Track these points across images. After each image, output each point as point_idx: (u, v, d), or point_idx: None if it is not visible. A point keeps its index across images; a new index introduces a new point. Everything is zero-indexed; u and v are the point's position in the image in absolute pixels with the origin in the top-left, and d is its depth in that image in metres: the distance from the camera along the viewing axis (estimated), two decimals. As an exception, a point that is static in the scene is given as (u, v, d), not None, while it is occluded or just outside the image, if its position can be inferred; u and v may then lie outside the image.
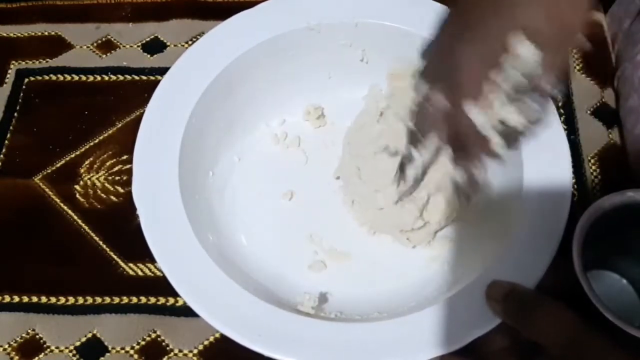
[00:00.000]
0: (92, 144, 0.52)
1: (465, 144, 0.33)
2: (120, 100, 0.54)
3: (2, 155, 0.52)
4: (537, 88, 0.32)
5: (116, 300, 0.45)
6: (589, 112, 0.50)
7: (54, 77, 0.55)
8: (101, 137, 0.52)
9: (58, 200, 0.49)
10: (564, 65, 0.32)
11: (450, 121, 0.32)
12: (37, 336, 0.44)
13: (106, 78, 0.55)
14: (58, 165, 0.51)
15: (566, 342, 0.29)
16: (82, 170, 0.51)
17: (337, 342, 0.34)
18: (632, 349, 0.28)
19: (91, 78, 0.55)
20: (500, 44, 0.30)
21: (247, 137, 0.48)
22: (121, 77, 0.55)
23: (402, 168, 0.40)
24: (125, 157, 0.51)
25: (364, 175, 0.43)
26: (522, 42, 0.30)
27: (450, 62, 0.32)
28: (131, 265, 0.46)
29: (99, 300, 0.45)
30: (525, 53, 0.30)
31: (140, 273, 0.46)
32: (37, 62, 0.56)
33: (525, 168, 0.39)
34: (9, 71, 0.56)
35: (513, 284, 0.34)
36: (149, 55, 0.56)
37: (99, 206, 0.49)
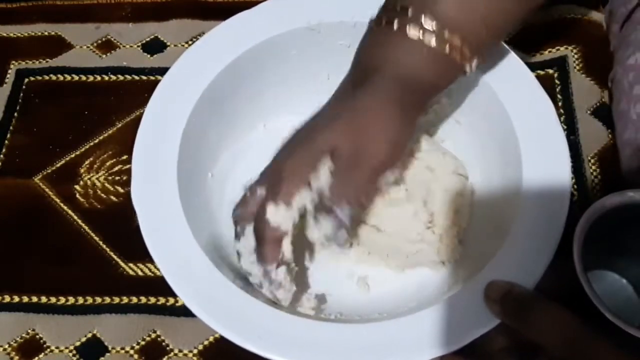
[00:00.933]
0: (92, 144, 0.52)
1: (259, 236, 0.36)
2: (120, 100, 0.54)
3: (2, 155, 0.52)
4: (326, 209, 0.36)
5: (116, 300, 0.45)
6: (589, 112, 0.50)
7: (54, 77, 0.55)
8: (101, 137, 0.52)
9: (58, 200, 0.49)
10: (355, 193, 0.36)
11: (257, 215, 0.37)
12: (37, 336, 0.44)
13: (106, 78, 0.55)
14: (58, 165, 0.51)
15: (565, 343, 0.29)
16: (82, 170, 0.51)
17: (337, 343, 0.34)
18: (632, 349, 0.28)
19: (91, 78, 0.55)
20: (313, 162, 0.35)
21: (247, 138, 0.48)
22: (121, 77, 0.55)
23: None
24: (125, 157, 0.51)
25: (385, 227, 0.41)
26: (323, 166, 0.35)
27: (279, 171, 0.37)
28: (131, 265, 0.46)
29: (99, 300, 0.45)
30: (322, 176, 0.35)
31: (140, 273, 0.46)
32: (37, 62, 0.56)
33: (525, 168, 0.39)
34: (9, 71, 0.56)
35: (511, 284, 0.34)
36: (149, 55, 0.56)
37: (99, 206, 0.49)
